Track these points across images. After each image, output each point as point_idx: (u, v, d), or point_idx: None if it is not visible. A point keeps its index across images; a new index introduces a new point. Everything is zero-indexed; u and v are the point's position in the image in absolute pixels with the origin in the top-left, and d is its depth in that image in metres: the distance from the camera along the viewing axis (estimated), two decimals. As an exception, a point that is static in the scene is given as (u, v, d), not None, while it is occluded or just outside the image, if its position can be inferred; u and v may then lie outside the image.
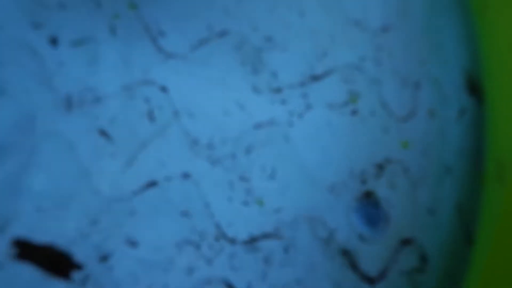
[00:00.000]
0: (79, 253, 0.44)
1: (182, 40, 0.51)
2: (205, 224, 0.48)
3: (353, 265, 0.49)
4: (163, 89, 0.50)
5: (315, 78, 0.51)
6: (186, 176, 0.48)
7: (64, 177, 0.46)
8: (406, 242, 0.49)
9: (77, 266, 0.43)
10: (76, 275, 0.43)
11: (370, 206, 0.50)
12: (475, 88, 0.53)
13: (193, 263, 0.46)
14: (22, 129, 0.44)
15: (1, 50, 0.45)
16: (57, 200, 0.45)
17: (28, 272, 0.42)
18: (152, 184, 0.47)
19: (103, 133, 0.47)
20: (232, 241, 0.48)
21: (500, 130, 0.44)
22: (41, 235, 0.43)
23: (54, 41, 0.46)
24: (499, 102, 0.45)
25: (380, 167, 0.51)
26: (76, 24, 0.48)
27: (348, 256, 0.49)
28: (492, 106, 0.47)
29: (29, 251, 0.43)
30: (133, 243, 0.45)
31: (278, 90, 0.50)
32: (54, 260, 0.43)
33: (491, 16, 0.47)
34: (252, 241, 0.48)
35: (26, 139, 0.45)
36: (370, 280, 0.48)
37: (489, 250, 0.43)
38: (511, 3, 0.43)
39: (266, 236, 0.48)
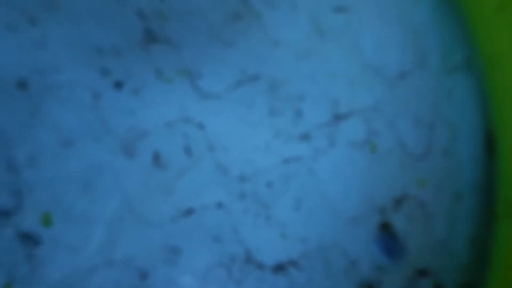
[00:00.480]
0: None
1: (218, 81, 0.57)
2: (235, 249, 0.52)
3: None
4: (200, 125, 0.56)
5: (338, 118, 0.56)
6: (219, 205, 0.53)
7: (110, 204, 0.51)
8: (422, 272, 0.53)
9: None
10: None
11: (388, 238, 0.53)
12: (488, 134, 0.57)
13: (224, 285, 0.50)
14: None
15: (63, 94, 0.51)
16: (104, 223, 0.50)
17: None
18: (189, 211, 0.52)
19: (153, 163, 0.52)
20: (260, 266, 0.52)
21: (510, 174, 0.48)
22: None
23: (117, 85, 0.53)
24: (508, 149, 0.49)
25: (398, 202, 0.55)
26: (127, 68, 0.54)
27: (368, 286, 0.52)
28: (503, 152, 0.51)
29: None
30: (172, 262, 0.50)
31: (304, 129, 0.55)
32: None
33: (499, 75, 0.52)
34: (278, 267, 0.52)
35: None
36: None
37: (501, 280, 0.46)
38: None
39: (291, 263, 0.52)
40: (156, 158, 0.53)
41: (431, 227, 0.53)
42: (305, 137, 0.56)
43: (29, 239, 0.46)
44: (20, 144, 0.48)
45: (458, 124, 0.58)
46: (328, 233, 0.53)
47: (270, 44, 0.58)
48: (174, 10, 0.57)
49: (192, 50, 0.58)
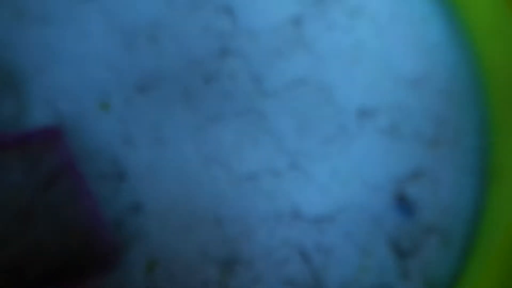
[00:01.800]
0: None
1: (275, 83, 0.77)
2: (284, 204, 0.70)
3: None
4: (261, 114, 0.75)
5: (369, 110, 0.74)
6: (274, 171, 0.71)
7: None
8: (432, 229, 0.69)
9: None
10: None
11: (404, 201, 0.70)
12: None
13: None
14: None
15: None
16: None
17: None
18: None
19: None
20: (305, 216, 0.69)
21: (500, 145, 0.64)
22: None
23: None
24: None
25: (414, 176, 0.71)
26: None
27: (391, 241, 0.68)
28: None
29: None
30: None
31: (341, 117, 0.74)
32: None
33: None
34: (322, 216, 0.69)
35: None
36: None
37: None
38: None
39: (329, 218, 0.70)
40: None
41: (440, 193, 0.69)
42: (339, 125, 0.74)
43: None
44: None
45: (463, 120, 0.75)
46: (357, 197, 0.70)
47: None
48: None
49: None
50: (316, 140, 0.73)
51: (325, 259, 0.67)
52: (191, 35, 0.75)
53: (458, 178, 0.71)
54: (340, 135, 0.73)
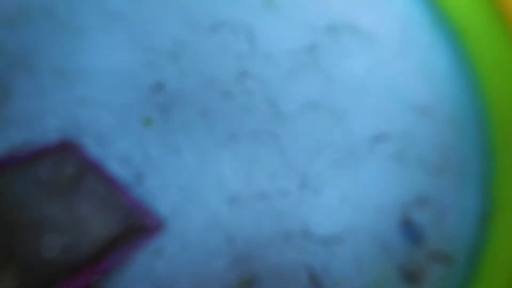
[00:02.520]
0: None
1: (289, 106, 0.79)
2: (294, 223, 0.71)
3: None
4: (274, 134, 0.77)
5: (376, 136, 0.77)
6: (284, 192, 0.73)
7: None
8: (437, 254, 0.70)
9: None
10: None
11: (410, 227, 0.72)
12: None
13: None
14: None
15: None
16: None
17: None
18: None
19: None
20: (314, 238, 0.71)
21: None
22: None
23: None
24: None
25: (419, 200, 0.73)
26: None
27: (398, 265, 0.70)
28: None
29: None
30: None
31: (350, 141, 0.76)
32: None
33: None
34: (331, 238, 0.71)
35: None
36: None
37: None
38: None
39: (336, 238, 0.71)
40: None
41: (444, 219, 0.72)
42: (349, 149, 0.76)
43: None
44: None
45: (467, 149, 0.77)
46: (365, 220, 0.72)
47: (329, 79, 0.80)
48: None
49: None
50: (326, 163, 0.75)
51: (333, 281, 0.68)
52: (211, 55, 0.78)
53: (462, 205, 0.73)
54: (350, 159, 0.75)
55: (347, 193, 0.73)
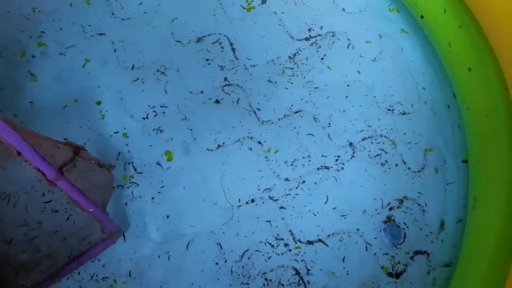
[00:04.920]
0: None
1: (272, 113, 0.82)
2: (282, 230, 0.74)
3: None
4: (259, 142, 0.80)
5: (358, 141, 0.80)
6: (272, 197, 0.75)
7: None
8: (418, 252, 0.73)
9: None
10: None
11: (392, 227, 0.74)
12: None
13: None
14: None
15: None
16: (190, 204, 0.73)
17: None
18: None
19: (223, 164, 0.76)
20: (301, 241, 0.73)
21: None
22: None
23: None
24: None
25: (400, 201, 0.76)
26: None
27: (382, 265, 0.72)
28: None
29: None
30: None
31: (332, 148, 0.79)
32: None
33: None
34: (316, 241, 0.73)
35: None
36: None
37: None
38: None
39: (329, 236, 0.73)
40: (229, 162, 0.77)
41: (424, 218, 0.74)
42: (331, 153, 0.79)
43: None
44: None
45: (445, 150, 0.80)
46: (348, 222, 0.75)
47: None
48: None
49: (254, 96, 0.83)
50: (310, 167, 0.78)
51: (320, 282, 0.70)
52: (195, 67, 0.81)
53: (441, 204, 0.76)
54: (332, 163, 0.78)
55: (331, 196, 0.76)
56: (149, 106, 0.81)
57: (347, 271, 0.71)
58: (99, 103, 0.81)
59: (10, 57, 0.85)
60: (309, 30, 0.91)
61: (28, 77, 0.83)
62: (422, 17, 0.85)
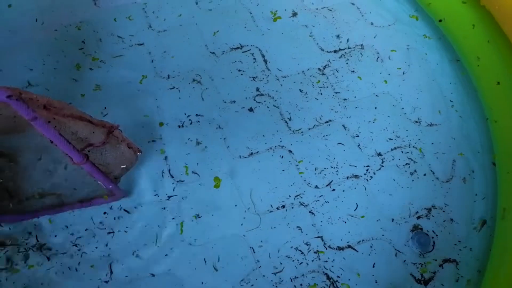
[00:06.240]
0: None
1: (302, 123, 0.85)
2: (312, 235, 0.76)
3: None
4: (290, 151, 0.82)
5: (388, 150, 0.82)
6: (302, 204, 0.78)
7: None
8: (446, 260, 0.74)
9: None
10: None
11: (421, 235, 0.76)
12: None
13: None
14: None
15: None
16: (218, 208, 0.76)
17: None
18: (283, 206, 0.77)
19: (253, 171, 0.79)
20: (331, 247, 0.75)
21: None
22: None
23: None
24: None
25: (429, 210, 0.77)
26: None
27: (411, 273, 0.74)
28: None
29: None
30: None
31: (362, 157, 0.81)
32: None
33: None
34: (346, 247, 0.75)
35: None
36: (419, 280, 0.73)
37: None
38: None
39: (358, 242, 0.75)
40: (261, 170, 0.79)
41: (452, 227, 0.76)
42: (360, 163, 0.81)
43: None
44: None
45: (473, 160, 0.82)
46: (377, 230, 0.76)
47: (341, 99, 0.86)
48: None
49: (286, 106, 0.86)
50: (340, 176, 0.80)
51: (350, 286, 0.72)
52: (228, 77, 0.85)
53: (469, 214, 0.77)
54: (361, 172, 0.80)
55: (360, 204, 0.78)
56: (185, 114, 0.85)
57: (377, 277, 0.73)
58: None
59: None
60: (339, 42, 0.94)
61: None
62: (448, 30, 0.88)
